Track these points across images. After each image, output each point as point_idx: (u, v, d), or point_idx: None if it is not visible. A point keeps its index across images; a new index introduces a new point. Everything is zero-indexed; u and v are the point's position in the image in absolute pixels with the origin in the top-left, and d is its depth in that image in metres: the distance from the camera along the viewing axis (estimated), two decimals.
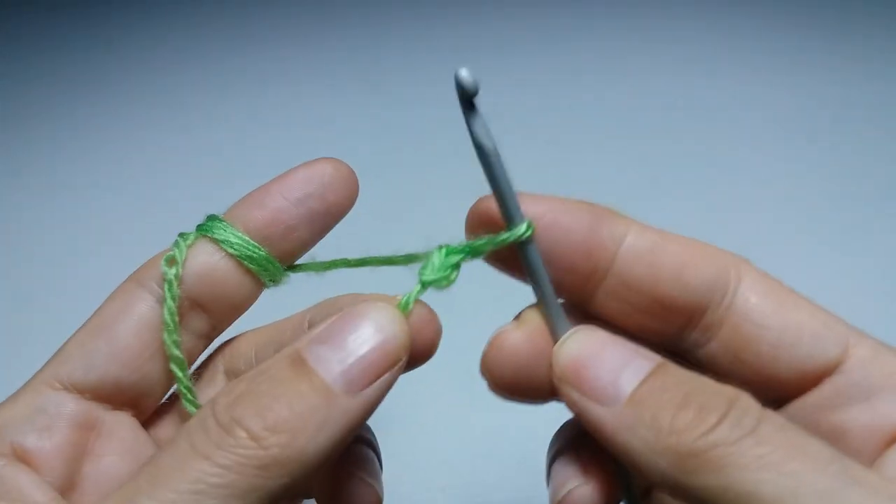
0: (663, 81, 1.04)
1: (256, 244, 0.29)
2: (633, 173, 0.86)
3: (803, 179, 0.85)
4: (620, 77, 1.06)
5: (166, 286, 0.28)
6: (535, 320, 0.28)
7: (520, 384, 0.28)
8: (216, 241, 0.29)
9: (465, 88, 0.24)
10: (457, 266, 0.28)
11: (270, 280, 0.31)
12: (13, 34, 1.29)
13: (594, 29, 1.19)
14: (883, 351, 0.26)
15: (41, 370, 0.29)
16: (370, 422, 0.28)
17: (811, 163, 0.88)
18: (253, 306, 0.31)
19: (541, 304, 0.28)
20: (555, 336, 0.28)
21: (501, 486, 0.57)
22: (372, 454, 0.32)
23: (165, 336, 0.29)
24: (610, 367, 0.25)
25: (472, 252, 0.28)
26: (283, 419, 0.23)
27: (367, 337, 0.25)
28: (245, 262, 0.29)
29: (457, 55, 1.13)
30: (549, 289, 0.27)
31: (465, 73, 0.24)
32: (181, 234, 0.30)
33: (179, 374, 0.29)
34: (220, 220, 0.30)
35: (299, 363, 0.24)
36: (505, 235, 0.26)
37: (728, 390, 0.24)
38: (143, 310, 0.29)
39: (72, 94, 1.12)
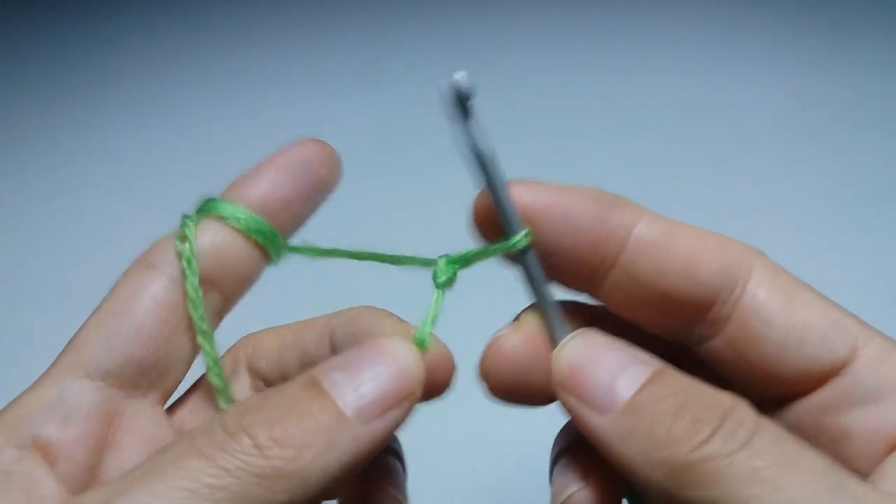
0: (663, 81, 1.04)
1: (258, 216, 0.29)
2: (633, 173, 0.86)
3: (803, 179, 0.85)
4: (620, 77, 1.06)
5: (184, 262, 0.28)
6: (533, 323, 0.28)
7: (518, 389, 0.28)
8: (222, 219, 0.29)
9: (463, 93, 0.24)
10: (454, 275, 0.28)
11: (275, 254, 0.31)
12: (13, 34, 1.29)
13: (594, 29, 1.19)
14: (893, 352, 0.25)
15: (59, 359, 0.28)
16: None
17: (811, 163, 0.88)
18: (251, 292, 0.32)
19: (539, 308, 0.28)
20: (554, 340, 0.27)
21: (502, 487, 0.57)
22: (399, 466, 0.32)
23: (191, 310, 0.28)
24: (606, 373, 0.25)
25: (467, 263, 0.28)
26: (290, 434, 0.23)
27: (383, 369, 0.25)
28: (253, 236, 0.30)
29: (457, 55, 1.13)
30: (547, 294, 0.27)
31: (462, 76, 0.23)
32: (186, 216, 0.30)
33: (207, 346, 0.29)
34: (218, 199, 0.30)
35: (314, 386, 0.25)
36: (502, 245, 0.26)
37: (725, 400, 0.23)
38: (158, 290, 0.28)
39: (72, 94, 1.12)
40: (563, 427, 0.31)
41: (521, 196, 0.26)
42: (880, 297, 0.69)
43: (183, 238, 0.29)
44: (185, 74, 1.16)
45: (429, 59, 1.14)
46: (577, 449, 0.29)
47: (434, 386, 0.28)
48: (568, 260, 0.27)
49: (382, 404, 0.25)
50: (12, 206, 0.91)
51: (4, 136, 1.04)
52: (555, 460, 0.30)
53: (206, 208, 0.30)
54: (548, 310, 0.27)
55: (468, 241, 0.29)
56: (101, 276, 0.32)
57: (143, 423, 0.29)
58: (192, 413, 0.31)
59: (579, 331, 0.27)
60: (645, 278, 0.26)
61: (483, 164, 0.25)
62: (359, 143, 0.94)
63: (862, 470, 0.25)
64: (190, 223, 0.29)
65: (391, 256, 0.30)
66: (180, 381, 0.31)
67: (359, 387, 0.25)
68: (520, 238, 0.26)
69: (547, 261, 0.27)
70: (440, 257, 0.28)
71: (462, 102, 0.24)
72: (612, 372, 0.25)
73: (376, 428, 0.25)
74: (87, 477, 0.27)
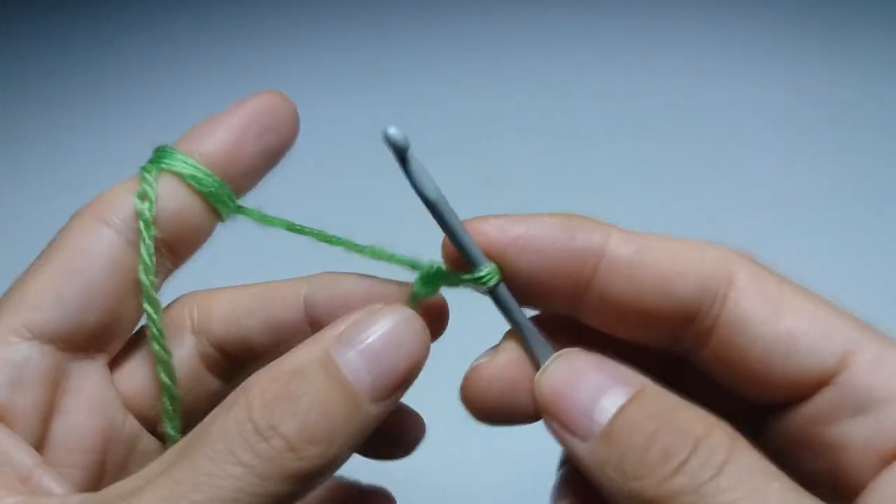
0: (663, 81, 1.04)
1: (217, 178, 0.29)
2: (633, 173, 0.86)
3: (803, 179, 0.85)
4: (620, 77, 1.06)
5: (142, 225, 0.27)
6: (512, 349, 0.28)
7: (502, 412, 0.28)
8: (180, 176, 0.28)
9: (397, 145, 0.25)
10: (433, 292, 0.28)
11: (227, 215, 0.30)
12: (13, 34, 1.29)
13: (594, 29, 1.18)
14: (888, 356, 0.24)
15: (5, 317, 0.27)
16: None
17: (811, 163, 0.88)
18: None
19: (518, 335, 0.28)
20: (536, 363, 0.27)
21: (502, 491, 0.57)
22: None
23: (143, 277, 0.28)
24: (587, 397, 0.25)
25: (434, 290, 0.28)
26: (320, 430, 0.23)
27: (398, 350, 0.25)
28: (210, 199, 0.29)
29: (457, 55, 1.13)
30: (524, 321, 0.27)
31: (393, 131, 0.24)
32: (144, 167, 0.29)
33: (155, 316, 0.29)
34: (177, 153, 0.29)
35: (331, 367, 0.24)
36: (467, 277, 0.27)
37: (698, 426, 0.23)
38: (114, 251, 0.28)
39: (72, 94, 1.12)
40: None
41: (486, 233, 0.26)
42: (880, 297, 0.69)
43: (143, 196, 0.28)
44: (185, 74, 1.15)
45: (429, 59, 1.14)
46: (574, 470, 0.28)
47: (432, 332, 0.28)
48: (541, 288, 0.27)
49: (396, 386, 0.25)
50: (12, 206, 0.91)
51: (4, 136, 1.04)
52: (556, 485, 0.29)
53: (161, 159, 0.29)
54: (528, 335, 0.27)
55: None
56: None
57: (89, 386, 0.28)
58: (132, 374, 0.30)
59: (562, 352, 0.27)
60: (620, 299, 0.26)
61: (431, 209, 0.26)
62: (359, 143, 0.94)
63: (857, 482, 0.24)
64: (150, 178, 0.28)
65: (361, 247, 0.29)
66: (124, 343, 0.30)
67: (374, 369, 0.25)
68: (484, 274, 0.26)
69: (521, 290, 0.27)
70: (419, 271, 0.28)
71: (400, 154, 0.25)
72: (591, 396, 0.25)
73: (387, 404, 0.25)
74: (37, 444, 0.26)
